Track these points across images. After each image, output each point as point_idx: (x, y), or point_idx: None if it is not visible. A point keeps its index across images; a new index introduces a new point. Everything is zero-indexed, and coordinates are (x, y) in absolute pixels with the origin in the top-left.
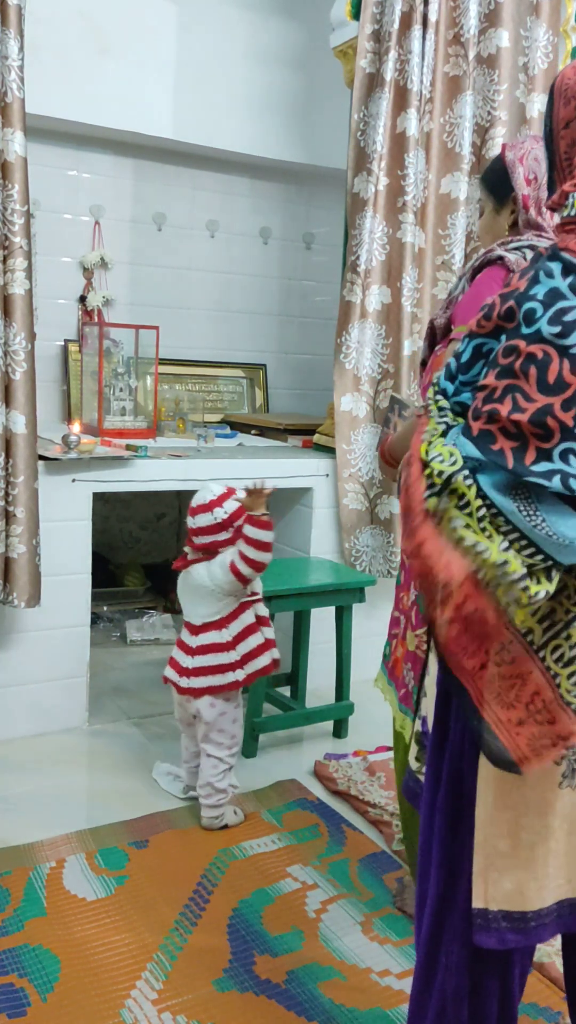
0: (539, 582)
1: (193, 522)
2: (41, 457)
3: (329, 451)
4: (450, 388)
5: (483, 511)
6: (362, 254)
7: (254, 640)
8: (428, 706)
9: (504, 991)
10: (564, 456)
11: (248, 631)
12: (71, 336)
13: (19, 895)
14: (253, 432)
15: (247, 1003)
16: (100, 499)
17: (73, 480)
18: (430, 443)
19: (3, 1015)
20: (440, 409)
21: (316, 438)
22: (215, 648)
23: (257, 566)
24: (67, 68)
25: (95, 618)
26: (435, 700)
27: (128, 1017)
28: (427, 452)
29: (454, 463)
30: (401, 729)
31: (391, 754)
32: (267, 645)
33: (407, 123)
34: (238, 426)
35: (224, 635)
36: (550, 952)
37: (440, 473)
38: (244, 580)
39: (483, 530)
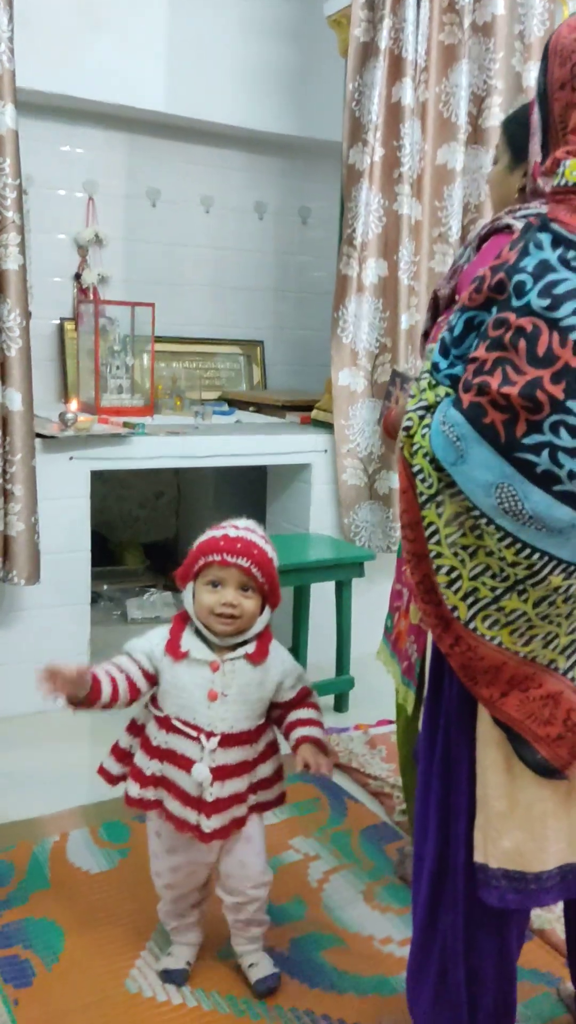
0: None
1: None
2: (38, 435)
3: (327, 427)
4: (443, 362)
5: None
6: (358, 227)
7: None
8: None
9: (501, 951)
10: (555, 428)
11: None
12: (67, 314)
13: (23, 868)
14: (251, 409)
15: None
16: (98, 478)
17: (71, 458)
18: (412, 439)
19: (9, 986)
20: (421, 390)
21: (314, 414)
22: None
23: None
24: (59, 41)
25: (95, 597)
26: (429, 668)
27: (132, 987)
28: (411, 453)
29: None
30: (403, 702)
31: (392, 727)
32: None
33: (402, 92)
34: (236, 403)
35: None
36: (551, 919)
37: (428, 484)
38: None
39: (464, 548)
